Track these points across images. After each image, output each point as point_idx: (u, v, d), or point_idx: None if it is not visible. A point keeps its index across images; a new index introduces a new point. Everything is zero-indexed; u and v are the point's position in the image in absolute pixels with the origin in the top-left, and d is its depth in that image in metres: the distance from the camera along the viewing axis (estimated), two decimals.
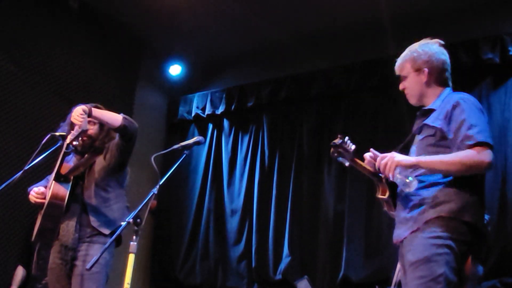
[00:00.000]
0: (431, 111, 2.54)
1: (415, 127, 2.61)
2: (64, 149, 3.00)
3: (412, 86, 2.63)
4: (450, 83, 2.63)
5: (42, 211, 3.00)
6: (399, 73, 2.68)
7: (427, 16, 5.13)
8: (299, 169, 5.65)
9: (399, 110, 4.62)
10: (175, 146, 2.91)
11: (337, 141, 2.50)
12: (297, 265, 5.32)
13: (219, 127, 6.38)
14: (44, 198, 3.07)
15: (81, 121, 2.91)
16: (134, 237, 2.49)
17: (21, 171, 3.04)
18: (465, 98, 2.46)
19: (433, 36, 2.71)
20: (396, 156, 2.36)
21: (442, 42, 2.67)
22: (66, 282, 3.05)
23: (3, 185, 3.05)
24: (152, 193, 2.60)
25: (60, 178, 3.03)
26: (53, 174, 3.05)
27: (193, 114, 6.46)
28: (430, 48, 2.63)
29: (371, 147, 2.57)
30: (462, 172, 2.31)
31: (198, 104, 6.47)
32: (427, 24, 5.08)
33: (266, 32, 5.78)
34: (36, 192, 3.11)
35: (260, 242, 5.58)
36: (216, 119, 6.41)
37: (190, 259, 6.00)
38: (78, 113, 2.95)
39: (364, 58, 5.44)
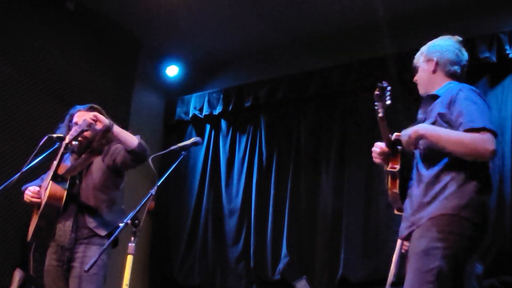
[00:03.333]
0: (435, 97, 2.56)
1: (421, 114, 2.64)
2: (62, 149, 2.97)
3: (421, 75, 2.71)
4: (461, 79, 2.65)
5: (39, 211, 2.98)
6: (414, 65, 2.76)
7: (423, 15, 5.13)
8: (297, 168, 5.65)
9: (396, 110, 4.61)
10: (173, 147, 2.90)
11: (384, 84, 2.56)
12: (295, 265, 5.32)
13: (216, 128, 6.38)
14: (39, 198, 3.06)
15: (81, 121, 2.88)
16: (132, 238, 2.49)
17: (19, 173, 3.01)
18: (464, 88, 2.48)
19: (430, 35, 2.70)
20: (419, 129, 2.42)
21: (460, 39, 2.72)
22: (63, 283, 3.03)
23: (1, 188, 3.03)
24: (150, 194, 2.59)
25: (58, 178, 3.01)
26: (50, 174, 3.02)
27: (190, 115, 6.45)
28: (445, 41, 2.70)
29: (368, 147, 2.56)
30: (463, 155, 2.32)
31: (196, 104, 6.46)
32: (423, 24, 5.08)
33: (263, 32, 5.78)
34: (31, 192, 3.09)
35: (258, 242, 5.58)
36: (213, 120, 6.40)
37: (188, 259, 5.99)
38: (88, 116, 2.89)
39: (361, 58, 5.44)
